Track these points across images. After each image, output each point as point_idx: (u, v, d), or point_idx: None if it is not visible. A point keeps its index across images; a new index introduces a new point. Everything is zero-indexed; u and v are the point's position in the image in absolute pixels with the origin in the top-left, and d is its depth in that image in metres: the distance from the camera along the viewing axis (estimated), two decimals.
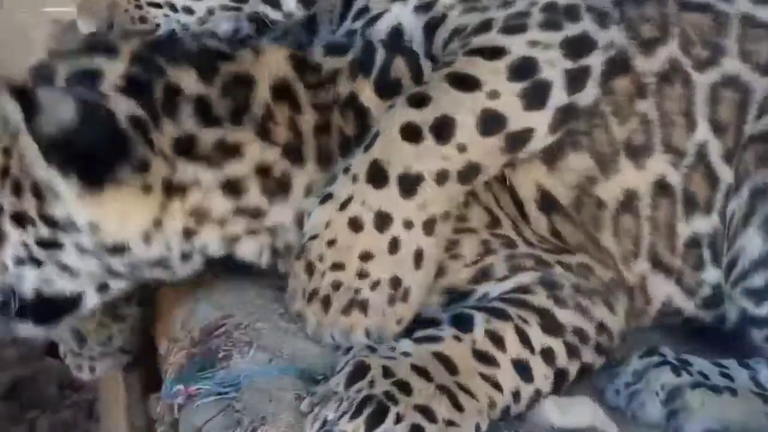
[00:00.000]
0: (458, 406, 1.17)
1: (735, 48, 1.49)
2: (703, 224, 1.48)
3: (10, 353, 3.09)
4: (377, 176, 1.30)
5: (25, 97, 1.23)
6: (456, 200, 1.33)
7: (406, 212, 1.29)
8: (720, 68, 1.49)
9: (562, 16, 1.38)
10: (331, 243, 1.30)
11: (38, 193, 1.28)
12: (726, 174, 1.48)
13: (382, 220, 1.29)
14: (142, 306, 1.58)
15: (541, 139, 1.37)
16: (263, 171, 1.34)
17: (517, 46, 1.35)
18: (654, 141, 1.48)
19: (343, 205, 1.30)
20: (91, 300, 1.36)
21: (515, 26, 1.36)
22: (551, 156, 1.43)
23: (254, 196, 1.34)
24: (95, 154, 1.24)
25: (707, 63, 1.49)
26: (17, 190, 1.28)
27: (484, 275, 1.35)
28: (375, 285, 1.29)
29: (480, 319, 1.27)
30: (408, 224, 1.29)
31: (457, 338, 1.24)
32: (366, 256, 1.29)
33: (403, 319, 1.31)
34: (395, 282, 1.30)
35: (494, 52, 1.34)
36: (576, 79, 1.37)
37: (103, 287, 1.36)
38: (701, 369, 1.37)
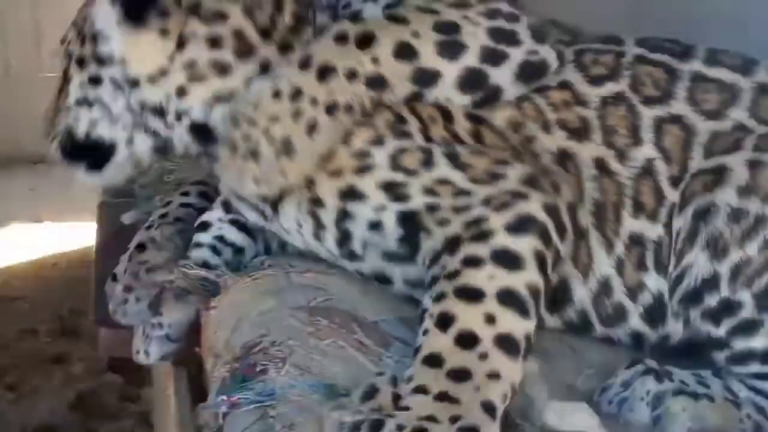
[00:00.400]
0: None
1: (684, 94, 1.55)
2: (649, 229, 1.52)
3: (77, 369, 3.29)
4: (305, 63, 1.54)
5: None
6: (361, 98, 1.53)
7: (316, 92, 1.52)
8: (667, 107, 1.54)
9: (502, 15, 1.56)
10: (255, 105, 1.55)
11: (94, 38, 1.62)
12: (671, 195, 1.51)
13: (296, 94, 1.53)
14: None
15: (449, 89, 1.54)
16: (239, 36, 1.60)
17: (450, 14, 1.55)
18: (593, 136, 1.54)
19: (273, 81, 1.55)
20: (122, 152, 1.66)
21: (458, 3, 1.56)
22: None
23: (227, 53, 1.60)
24: None
25: (655, 101, 1.55)
26: (83, 40, 1.63)
27: (365, 166, 1.51)
28: (271, 140, 1.52)
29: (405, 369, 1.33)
30: (314, 101, 1.52)
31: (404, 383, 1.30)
32: (274, 119, 1.53)
33: (286, 173, 1.53)
34: (286, 141, 1.52)
35: (430, 11, 1.55)
36: (491, 55, 1.54)
37: (129, 141, 1.65)
38: (681, 377, 1.44)
